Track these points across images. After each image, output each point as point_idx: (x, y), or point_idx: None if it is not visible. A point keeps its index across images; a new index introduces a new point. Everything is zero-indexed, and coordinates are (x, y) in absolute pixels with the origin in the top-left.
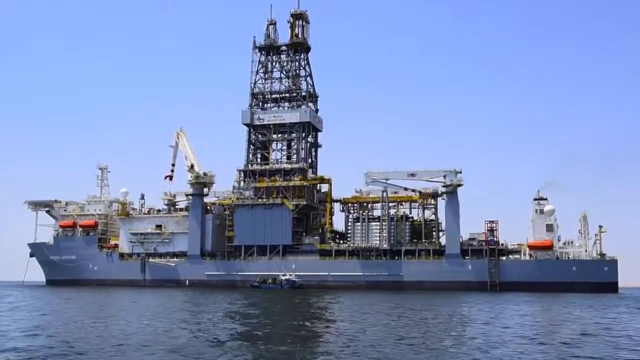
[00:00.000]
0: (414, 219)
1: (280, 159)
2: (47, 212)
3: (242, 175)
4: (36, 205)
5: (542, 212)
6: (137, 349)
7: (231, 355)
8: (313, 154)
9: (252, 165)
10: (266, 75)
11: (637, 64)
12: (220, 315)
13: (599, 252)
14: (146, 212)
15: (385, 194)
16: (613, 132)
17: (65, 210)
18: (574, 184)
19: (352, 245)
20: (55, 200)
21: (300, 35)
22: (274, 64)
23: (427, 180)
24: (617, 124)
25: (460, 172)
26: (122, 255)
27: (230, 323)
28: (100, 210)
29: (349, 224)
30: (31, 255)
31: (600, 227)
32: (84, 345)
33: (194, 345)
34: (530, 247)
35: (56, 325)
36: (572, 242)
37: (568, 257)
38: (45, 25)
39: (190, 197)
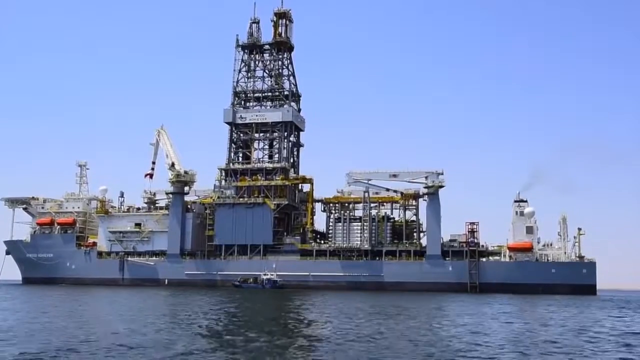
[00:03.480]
0: (395, 219)
1: (262, 158)
2: (24, 209)
3: (224, 174)
4: (13, 202)
5: (522, 214)
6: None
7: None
8: (295, 153)
9: (233, 164)
10: (249, 74)
11: (625, 60)
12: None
13: (577, 255)
14: (125, 210)
15: (366, 195)
16: (603, 130)
17: (42, 208)
18: (556, 182)
19: (333, 245)
20: (33, 197)
21: (283, 34)
22: (256, 62)
23: (409, 181)
24: (607, 122)
25: (442, 174)
26: (100, 254)
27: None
28: (78, 207)
29: (330, 224)
30: (7, 252)
31: (579, 229)
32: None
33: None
34: (510, 248)
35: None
36: (551, 244)
37: (547, 259)
38: (24, 22)
39: (171, 195)
